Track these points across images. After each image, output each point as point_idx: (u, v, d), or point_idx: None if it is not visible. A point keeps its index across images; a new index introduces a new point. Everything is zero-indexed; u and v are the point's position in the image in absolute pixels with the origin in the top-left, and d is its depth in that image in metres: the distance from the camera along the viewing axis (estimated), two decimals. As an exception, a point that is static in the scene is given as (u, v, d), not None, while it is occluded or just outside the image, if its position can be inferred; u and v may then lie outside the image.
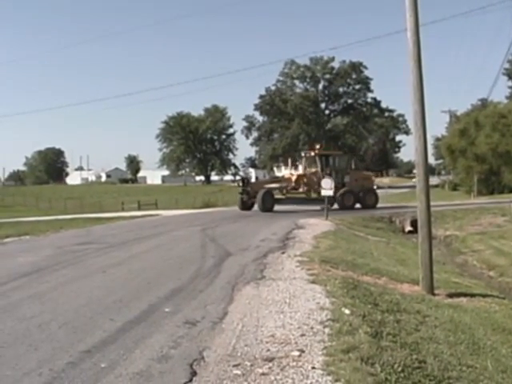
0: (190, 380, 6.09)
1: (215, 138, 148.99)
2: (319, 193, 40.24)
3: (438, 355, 7.45)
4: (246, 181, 41.83)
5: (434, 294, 12.68)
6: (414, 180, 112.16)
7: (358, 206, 42.70)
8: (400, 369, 6.46)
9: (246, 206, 39.81)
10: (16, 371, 6.42)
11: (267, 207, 38.06)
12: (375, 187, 49.28)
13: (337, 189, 39.58)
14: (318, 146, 44.70)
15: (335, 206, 40.85)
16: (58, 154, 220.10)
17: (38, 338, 7.75)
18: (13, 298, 10.49)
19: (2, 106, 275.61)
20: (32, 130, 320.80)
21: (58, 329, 8.18)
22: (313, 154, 43.16)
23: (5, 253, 17.88)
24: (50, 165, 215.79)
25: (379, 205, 44.07)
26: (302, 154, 46.17)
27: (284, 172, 47.08)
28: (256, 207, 39.21)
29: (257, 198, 38.53)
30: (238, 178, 47.33)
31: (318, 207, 40.67)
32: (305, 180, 42.07)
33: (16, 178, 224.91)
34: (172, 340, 7.52)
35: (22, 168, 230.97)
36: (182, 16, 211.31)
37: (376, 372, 6.29)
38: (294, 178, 42.64)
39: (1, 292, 11.07)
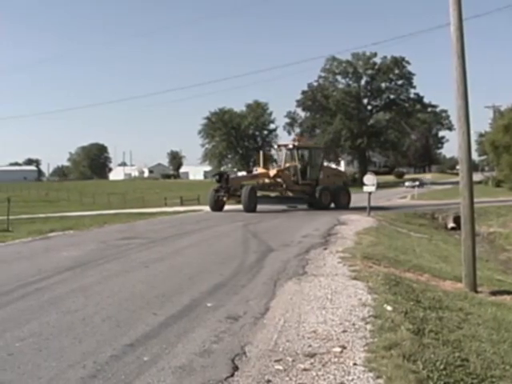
0: (232, 375, 6.11)
1: (257, 133, 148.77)
2: (294, 190, 38.85)
3: (481, 353, 7.37)
4: (225, 176, 36.78)
5: (476, 292, 12.57)
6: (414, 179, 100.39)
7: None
8: (442, 366, 6.41)
9: (219, 205, 35.90)
10: (61, 363, 6.52)
11: (252, 206, 34.57)
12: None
13: (311, 186, 38.25)
14: (297, 138, 41.77)
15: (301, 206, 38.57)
16: (102, 149, 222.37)
17: (82, 330, 7.85)
18: (57, 291, 10.63)
19: (46, 102, 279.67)
20: (76, 125, 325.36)
21: (102, 322, 8.28)
22: (291, 146, 39.84)
23: (50, 247, 18.09)
24: (94, 160, 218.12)
25: (422, 201, 43.05)
26: (276, 147, 42.91)
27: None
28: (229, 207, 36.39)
29: (242, 196, 34.74)
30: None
31: (284, 206, 38.31)
32: (282, 176, 38.32)
33: (60, 173, 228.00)
34: (214, 335, 7.56)
35: (66, 163, 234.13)
36: (224, 14, 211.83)
37: (418, 369, 6.25)
38: (272, 174, 38.50)
39: (46, 285, 11.22)
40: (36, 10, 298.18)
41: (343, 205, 38.52)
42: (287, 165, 38.83)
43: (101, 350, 6.94)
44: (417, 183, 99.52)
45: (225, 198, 35.83)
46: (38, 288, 10.93)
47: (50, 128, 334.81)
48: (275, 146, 44.34)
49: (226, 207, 36.51)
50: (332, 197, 38.42)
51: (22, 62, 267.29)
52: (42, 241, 20.19)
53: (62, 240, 20.47)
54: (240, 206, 35.53)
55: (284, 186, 38.33)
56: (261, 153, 43.24)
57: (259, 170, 40.78)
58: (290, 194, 38.99)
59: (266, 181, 38.32)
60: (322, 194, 37.61)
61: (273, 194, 39.05)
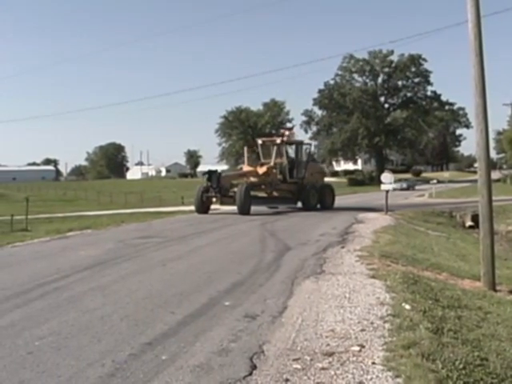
0: (250, 373, 6.12)
1: (274, 132, 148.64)
2: (280, 189, 35.54)
3: (501, 353, 7.33)
4: (217, 175, 32.44)
5: (495, 290, 12.52)
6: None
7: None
8: (461, 366, 6.37)
9: (206, 206, 32.54)
10: (80, 361, 6.55)
11: (247, 208, 31.23)
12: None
13: (296, 185, 35.37)
14: (287, 132, 37.03)
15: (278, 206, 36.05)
16: (119, 149, 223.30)
17: (100, 329, 7.88)
18: (76, 290, 10.67)
19: (64, 103, 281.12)
20: (93, 125, 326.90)
21: (120, 321, 8.30)
22: (279, 141, 35.68)
23: (67, 246, 18.16)
24: (111, 160, 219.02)
25: (439, 200, 42.49)
26: (260, 142, 37.93)
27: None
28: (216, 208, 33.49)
29: (237, 196, 31.23)
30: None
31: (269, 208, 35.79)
32: (271, 174, 34.58)
33: (78, 172, 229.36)
34: (232, 333, 7.56)
35: (84, 163, 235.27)
36: (241, 12, 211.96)
37: (437, 368, 6.22)
38: (261, 172, 34.45)
39: (64, 284, 11.27)
40: (57, 11, 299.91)
41: (328, 204, 36.48)
42: (273, 162, 35.00)
43: (119, 349, 6.97)
44: (404, 185, 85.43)
45: (214, 199, 32.47)
46: (57, 287, 10.99)
47: (67, 128, 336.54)
48: (259, 142, 38.04)
49: (221, 209, 34.60)
50: (319, 196, 35.88)
51: (41, 62, 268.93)
52: (61, 240, 20.28)
53: (79, 239, 20.54)
54: (226, 208, 33.63)
55: (273, 184, 34.92)
56: (245, 148, 39.91)
57: (244, 167, 37.63)
58: (276, 193, 35.86)
59: (253, 179, 34.42)
60: (309, 193, 35.04)
61: (260, 194, 35.49)
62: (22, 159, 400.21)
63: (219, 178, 32.05)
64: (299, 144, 38.19)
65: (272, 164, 34.67)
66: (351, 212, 32.34)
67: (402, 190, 79.07)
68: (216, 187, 31.67)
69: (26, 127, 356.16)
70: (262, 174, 34.37)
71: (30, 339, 7.45)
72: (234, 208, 31.78)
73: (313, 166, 39.13)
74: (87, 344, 7.22)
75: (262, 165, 35.61)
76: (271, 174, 34.50)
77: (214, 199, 32.33)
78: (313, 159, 40.57)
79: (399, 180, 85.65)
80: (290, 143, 36.58)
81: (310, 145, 39.67)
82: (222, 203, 33.18)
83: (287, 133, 36.86)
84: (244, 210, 30.87)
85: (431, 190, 63.53)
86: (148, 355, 6.73)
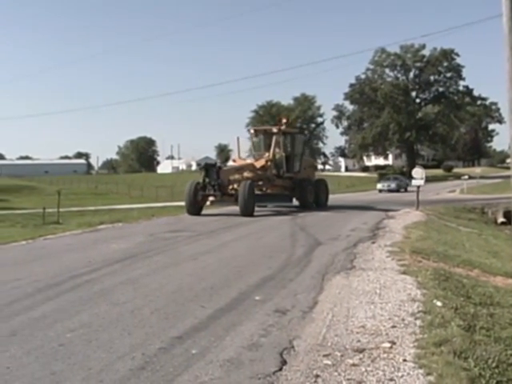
0: (280, 369, 6.10)
1: (305, 126, 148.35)
2: (275, 185, 31.93)
3: (535, 351, 7.23)
4: (216, 169, 27.80)
5: (528, 288, 12.35)
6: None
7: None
8: (494, 364, 6.28)
9: (199, 206, 28.09)
10: (110, 354, 6.59)
11: (251, 208, 26.92)
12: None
13: (291, 180, 31.85)
14: (284, 120, 32.56)
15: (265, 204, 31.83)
16: (150, 142, 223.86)
17: (130, 322, 7.92)
18: (107, 283, 10.74)
19: (96, 97, 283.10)
20: (124, 119, 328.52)
21: (150, 314, 8.33)
22: (275, 130, 31.51)
23: (99, 239, 18.27)
24: (142, 154, 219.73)
25: (471, 195, 41.83)
26: (252, 131, 34.52)
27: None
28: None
29: (240, 194, 26.66)
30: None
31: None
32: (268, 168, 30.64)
33: (109, 166, 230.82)
34: (262, 328, 7.56)
35: (115, 157, 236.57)
36: (272, 5, 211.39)
37: (469, 367, 6.15)
38: (259, 165, 30.24)
39: (95, 277, 11.34)
40: (86, 8, 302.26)
41: (323, 202, 33.33)
42: (267, 154, 30.96)
43: (149, 342, 6.99)
44: (392, 185, 65.67)
45: (212, 198, 27.81)
46: (88, 280, 11.06)
47: (99, 122, 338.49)
48: (251, 131, 34.39)
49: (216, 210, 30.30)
50: (315, 193, 32.53)
51: (72, 57, 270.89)
52: (92, 233, 20.43)
53: (111, 232, 20.67)
54: (214, 209, 30.15)
55: (270, 180, 31.11)
56: (239, 140, 33.77)
57: (237, 160, 32.66)
58: (269, 190, 32.13)
59: (248, 174, 29.71)
60: (307, 189, 31.63)
61: (256, 191, 29.74)
62: (54, 153, 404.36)
63: (218, 173, 27.49)
64: (296, 134, 34.71)
65: (271, 156, 30.65)
66: (382, 207, 32.21)
67: (389, 191, 64.00)
68: (215, 184, 27.15)
69: (59, 121, 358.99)
70: (259, 167, 30.31)
71: (62, 331, 7.51)
72: (228, 209, 29.45)
73: (305, 160, 35.70)
74: (117, 337, 7.26)
75: (256, 158, 32.12)
76: (268, 168, 30.63)
77: (211, 198, 27.83)
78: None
79: (387, 179, 71.89)
80: (286, 133, 32.58)
81: (307, 136, 35.19)
82: (213, 203, 28.68)
83: (285, 121, 32.77)
84: (248, 211, 26.55)
85: (462, 185, 63.01)
86: (178, 349, 6.75)
